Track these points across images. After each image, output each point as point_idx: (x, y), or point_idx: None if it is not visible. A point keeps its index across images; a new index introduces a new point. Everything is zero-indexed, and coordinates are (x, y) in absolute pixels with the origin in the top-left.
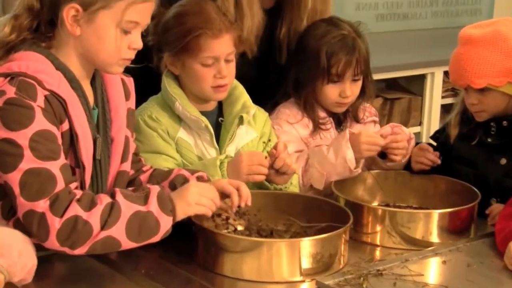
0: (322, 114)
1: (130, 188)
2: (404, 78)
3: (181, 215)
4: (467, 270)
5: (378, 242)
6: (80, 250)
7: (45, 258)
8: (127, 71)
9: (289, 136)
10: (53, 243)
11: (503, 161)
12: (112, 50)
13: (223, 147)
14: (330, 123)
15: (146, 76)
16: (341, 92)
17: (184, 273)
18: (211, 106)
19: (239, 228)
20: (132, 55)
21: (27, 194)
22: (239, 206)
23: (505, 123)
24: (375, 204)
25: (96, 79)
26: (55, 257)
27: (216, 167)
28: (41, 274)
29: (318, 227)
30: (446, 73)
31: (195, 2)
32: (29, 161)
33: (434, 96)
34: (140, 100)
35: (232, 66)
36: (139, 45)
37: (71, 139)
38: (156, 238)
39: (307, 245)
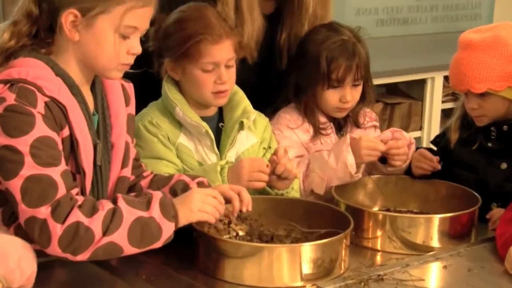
0: (322, 119)
1: (132, 194)
2: (404, 83)
3: (183, 221)
4: (468, 274)
5: (378, 247)
6: (82, 256)
7: (46, 264)
8: (127, 76)
9: (289, 141)
10: (55, 249)
11: (504, 165)
12: (111, 55)
13: (223, 153)
14: (331, 128)
15: (146, 82)
16: (341, 97)
17: (185, 279)
18: (212, 111)
19: (241, 233)
20: (131, 60)
21: (28, 200)
22: (240, 211)
23: (505, 127)
24: (375, 209)
25: (96, 84)
26: (56, 263)
27: (217, 172)
28: (42, 280)
29: (318, 233)
30: (446, 78)
31: (196, 7)
32: (30, 168)
33: (434, 101)
34: (140, 106)
35: (233, 72)
36: (138, 50)
37: (72, 145)
38: (158, 244)
39: (307, 250)
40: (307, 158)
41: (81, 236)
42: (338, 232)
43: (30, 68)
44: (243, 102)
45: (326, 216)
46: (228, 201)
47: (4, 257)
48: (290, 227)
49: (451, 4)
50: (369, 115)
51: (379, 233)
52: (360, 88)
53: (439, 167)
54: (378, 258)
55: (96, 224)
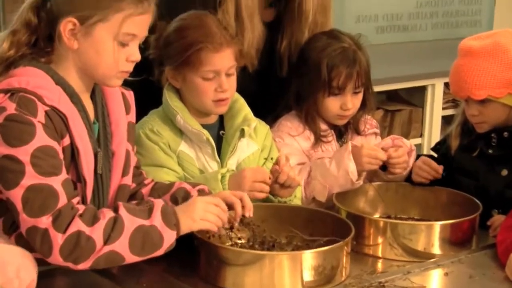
0: (323, 126)
1: (133, 202)
2: (404, 89)
3: (185, 230)
4: (469, 281)
5: (380, 254)
6: (84, 265)
7: (47, 273)
8: (128, 84)
9: (290, 149)
10: (56, 258)
11: (504, 172)
12: (110, 63)
13: (224, 160)
14: (332, 136)
15: (147, 90)
16: (342, 104)
17: (186, 287)
18: (212, 119)
19: (243, 241)
20: (130, 67)
21: (29, 210)
22: (243, 216)
23: (505, 134)
24: (376, 216)
25: (96, 93)
26: (58, 272)
27: (217, 181)
28: None
29: (320, 242)
30: (446, 85)
31: (196, 16)
32: (31, 177)
33: (435, 108)
34: (141, 114)
35: (233, 80)
36: (137, 57)
37: (72, 153)
38: (159, 252)
39: (309, 258)
40: (309, 165)
41: (82, 245)
42: (339, 240)
43: (30, 77)
44: (244, 109)
45: (327, 223)
46: (230, 207)
47: (2, 267)
48: (291, 234)
49: (451, 11)
50: (369, 122)
51: (380, 240)
52: (360, 96)
53: (439, 176)
54: (379, 265)
55: (97, 233)
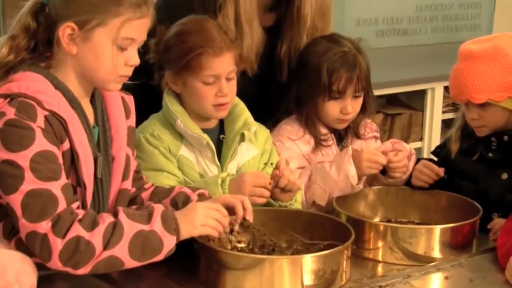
0: (323, 130)
1: (133, 207)
2: (404, 93)
3: (185, 235)
4: (469, 285)
5: (380, 258)
6: (83, 270)
7: (47, 277)
8: (128, 89)
9: (290, 153)
10: (56, 263)
11: (504, 175)
12: (109, 67)
13: (224, 164)
14: (332, 140)
15: (147, 94)
16: (342, 108)
17: None
18: (213, 123)
19: (242, 245)
20: (129, 71)
21: (29, 215)
22: (243, 219)
23: (505, 138)
24: (376, 220)
25: (96, 97)
26: (58, 276)
27: (218, 185)
28: None
29: (320, 245)
30: (446, 88)
31: (197, 20)
32: (30, 182)
33: (435, 111)
34: (141, 118)
35: (233, 84)
36: (136, 61)
37: (72, 158)
38: (159, 257)
39: (309, 262)
40: (309, 169)
41: (81, 250)
42: (339, 244)
43: (29, 82)
44: (244, 114)
45: (327, 227)
46: (230, 210)
47: (2, 272)
48: (292, 237)
49: (451, 15)
50: (369, 126)
51: (380, 244)
52: (360, 100)
53: (442, 175)
54: (380, 269)
55: (96, 238)
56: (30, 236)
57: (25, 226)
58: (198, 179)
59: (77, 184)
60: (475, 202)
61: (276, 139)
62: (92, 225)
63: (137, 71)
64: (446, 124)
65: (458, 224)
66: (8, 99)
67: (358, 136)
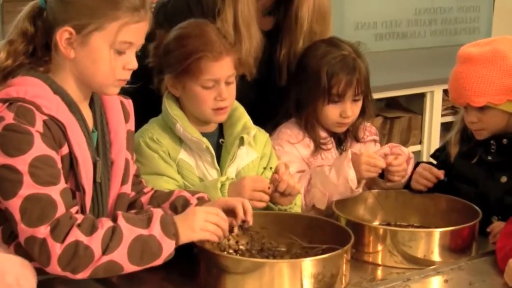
0: (323, 134)
1: (133, 211)
2: (403, 97)
3: (184, 240)
4: None
5: (379, 262)
6: (82, 275)
7: (47, 282)
8: (127, 93)
9: (290, 156)
10: (54, 268)
11: (504, 179)
12: (107, 71)
13: (223, 168)
14: (331, 143)
15: (146, 98)
16: (341, 112)
17: None
18: (212, 127)
19: (241, 246)
20: (127, 75)
21: (27, 220)
22: (243, 221)
23: (505, 141)
24: (376, 223)
25: (95, 101)
26: (57, 281)
27: (217, 189)
28: None
29: (319, 249)
30: (445, 92)
31: (196, 24)
32: (29, 187)
33: (434, 115)
34: (140, 122)
35: (233, 88)
36: (134, 65)
37: (71, 162)
38: (158, 262)
39: (308, 265)
40: (309, 173)
41: (80, 255)
42: (338, 248)
43: (28, 86)
44: (243, 117)
45: (326, 231)
46: (230, 212)
47: (1, 276)
48: (291, 241)
49: (450, 18)
50: (369, 130)
51: (379, 247)
52: (360, 103)
53: (441, 178)
54: (379, 272)
55: (95, 243)
56: (29, 241)
57: (24, 230)
58: (198, 183)
59: (76, 188)
60: (474, 205)
61: (275, 142)
62: (91, 230)
63: (137, 75)
64: (445, 127)
65: (457, 227)
66: (6, 104)
67: (357, 139)
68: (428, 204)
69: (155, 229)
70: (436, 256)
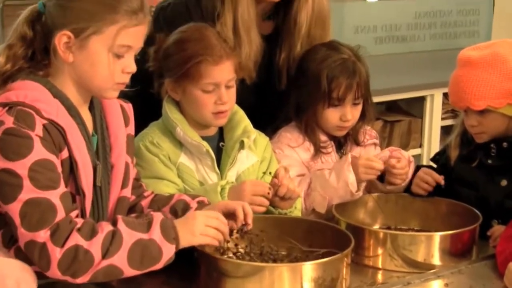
0: (323, 137)
1: (133, 215)
2: (403, 100)
3: (184, 244)
4: None
5: (380, 265)
6: (82, 279)
7: (47, 286)
8: (128, 96)
9: (290, 160)
10: (54, 272)
11: (504, 182)
12: (105, 75)
13: (224, 172)
14: (331, 147)
15: (146, 102)
16: (341, 115)
17: None
18: (212, 131)
19: (240, 249)
20: (126, 79)
21: (27, 224)
22: (243, 224)
23: (505, 144)
24: (376, 227)
25: (94, 105)
26: (57, 285)
27: (217, 193)
28: None
29: (319, 253)
30: (445, 95)
31: (196, 28)
32: (28, 191)
33: (434, 118)
34: (140, 126)
35: (233, 92)
36: (133, 68)
37: (71, 166)
38: (158, 266)
39: (309, 269)
40: (309, 177)
41: (80, 259)
42: (337, 252)
43: (28, 90)
44: (244, 121)
45: (326, 235)
46: (231, 215)
47: (1, 280)
48: (291, 245)
49: (449, 22)
50: (369, 133)
51: (380, 251)
52: (360, 107)
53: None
54: (379, 276)
55: (95, 247)
56: (29, 245)
57: (23, 235)
58: (198, 186)
59: (76, 192)
60: (474, 209)
61: (275, 146)
62: (91, 234)
63: (137, 79)
64: (446, 131)
65: (458, 231)
66: (6, 108)
67: (357, 143)
68: (428, 207)
69: (155, 233)
70: (436, 260)
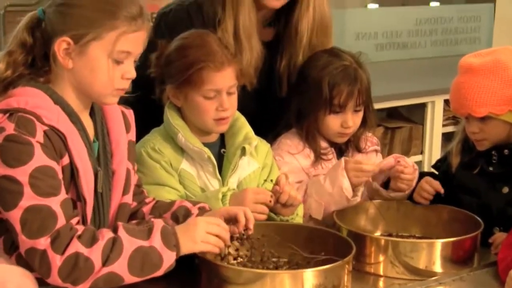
0: (323, 144)
1: (134, 222)
2: (404, 107)
3: (185, 251)
4: None
5: (381, 272)
6: (83, 286)
7: None
8: (129, 103)
9: (290, 167)
10: (55, 280)
11: (505, 189)
12: (105, 81)
13: (225, 178)
14: (332, 153)
15: (148, 108)
16: (343, 122)
17: None
18: (213, 137)
19: (240, 254)
20: (125, 85)
21: (28, 231)
22: (244, 229)
23: (506, 151)
24: (377, 234)
25: (95, 112)
26: None
27: (218, 200)
28: None
29: (320, 259)
30: (446, 102)
31: (198, 34)
32: (29, 198)
33: (435, 125)
34: (142, 132)
35: (234, 99)
36: (133, 74)
37: (72, 173)
38: (159, 273)
39: (310, 276)
40: (305, 183)
41: (80, 266)
42: (337, 259)
43: (29, 97)
44: (245, 128)
45: (327, 242)
46: (232, 221)
47: (3, 286)
48: (292, 251)
49: (450, 28)
50: (370, 140)
51: (381, 258)
52: (361, 113)
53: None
54: (381, 283)
55: (95, 254)
56: (30, 252)
57: (24, 242)
58: (199, 193)
59: (77, 198)
60: (476, 216)
61: (276, 153)
62: (91, 241)
63: (138, 85)
64: (447, 138)
65: (459, 238)
66: (7, 114)
67: (358, 149)
68: (430, 214)
69: (156, 241)
70: (437, 267)
